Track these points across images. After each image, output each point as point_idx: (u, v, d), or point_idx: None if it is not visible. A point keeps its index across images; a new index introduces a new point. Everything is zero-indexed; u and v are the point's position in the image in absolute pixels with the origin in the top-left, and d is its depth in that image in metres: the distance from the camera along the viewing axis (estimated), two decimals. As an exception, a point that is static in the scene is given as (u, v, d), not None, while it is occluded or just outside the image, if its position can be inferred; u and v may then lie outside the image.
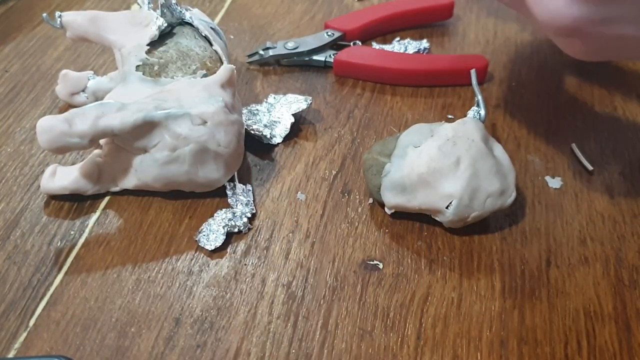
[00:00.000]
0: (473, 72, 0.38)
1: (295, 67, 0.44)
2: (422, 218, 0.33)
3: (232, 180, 0.34)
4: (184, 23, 0.37)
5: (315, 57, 0.44)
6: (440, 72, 0.42)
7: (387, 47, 0.46)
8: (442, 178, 0.30)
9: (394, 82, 0.43)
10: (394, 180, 0.31)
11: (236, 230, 0.33)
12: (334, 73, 0.44)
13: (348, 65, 0.43)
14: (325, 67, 0.44)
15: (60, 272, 0.31)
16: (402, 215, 0.33)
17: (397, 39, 0.46)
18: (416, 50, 0.45)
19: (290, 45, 0.44)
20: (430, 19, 0.48)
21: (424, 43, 0.46)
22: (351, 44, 0.46)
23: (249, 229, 0.33)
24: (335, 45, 0.45)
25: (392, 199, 0.32)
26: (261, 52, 0.44)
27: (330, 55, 0.44)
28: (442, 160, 0.30)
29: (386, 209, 0.33)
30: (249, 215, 0.33)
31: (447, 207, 0.30)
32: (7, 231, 0.33)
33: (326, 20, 0.47)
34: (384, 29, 0.47)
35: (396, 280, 0.30)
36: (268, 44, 0.44)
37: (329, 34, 0.45)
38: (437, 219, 0.32)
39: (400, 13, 0.47)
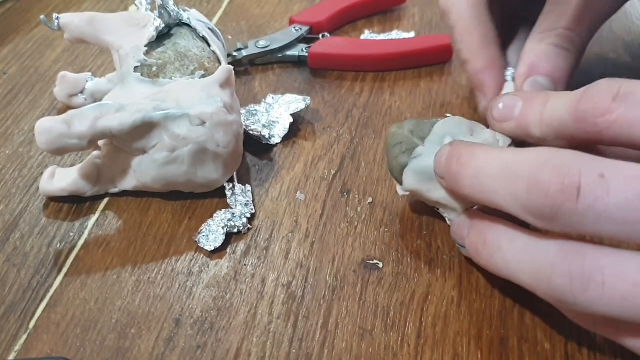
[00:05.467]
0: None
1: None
2: (422, 216, 0.33)
3: (231, 180, 0.34)
4: (181, 24, 0.37)
5: (288, 53, 0.44)
6: (419, 53, 0.44)
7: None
8: None
9: (375, 68, 0.44)
10: (423, 166, 0.29)
11: (236, 230, 0.33)
12: (309, 66, 0.44)
13: (324, 57, 0.44)
14: (299, 61, 0.45)
15: (60, 274, 0.31)
16: (401, 212, 0.33)
17: (366, 31, 0.48)
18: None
19: (262, 43, 0.44)
20: (390, 4, 0.50)
21: (394, 34, 0.48)
22: (320, 36, 0.46)
23: (249, 229, 0.33)
24: (304, 39, 0.46)
25: (413, 183, 0.30)
26: (234, 53, 0.44)
27: (302, 50, 0.44)
28: None
29: (399, 189, 0.32)
30: (249, 215, 0.33)
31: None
32: (7, 233, 0.33)
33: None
34: (346, 19, 0.49)
35: (396, 279, 0.30)
36: (239, 45, 0.44)
37: (297, 28, 0.46)
38: (445, 215, 0.31)
39: (360, 2, 0.49)
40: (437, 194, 0.29)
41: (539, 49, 0.33)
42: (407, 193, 0.31)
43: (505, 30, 0.37)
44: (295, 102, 0.39)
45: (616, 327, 0.23)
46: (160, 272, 0.31)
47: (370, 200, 0.34)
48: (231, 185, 0.34)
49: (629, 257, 0.21)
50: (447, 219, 0.31)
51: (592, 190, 0.21)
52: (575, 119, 0.24)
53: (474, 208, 0.29)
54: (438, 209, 0.31)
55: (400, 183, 0.31)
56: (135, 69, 0.34)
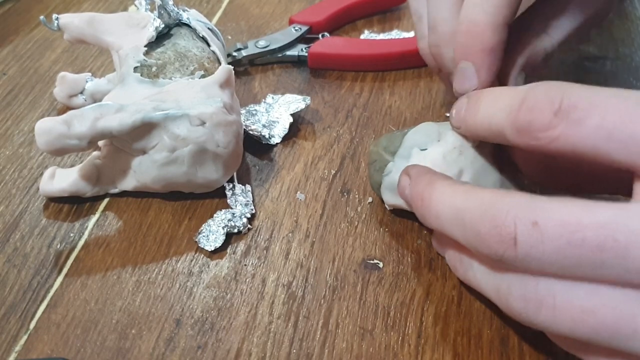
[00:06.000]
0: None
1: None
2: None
3: (231, 180, 0.34)
4: (181, 24, 0.37)
5: (288, 53, 0.45)
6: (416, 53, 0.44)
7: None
8: None
9: (375, 68, 0.44)
10: (394, 181, 0.30)
11: (236, 230, 0.33)
12: (309, 66, 0.44)
13: (324, 56, 0.44)
14: (299, 61, 0.45)
15: (60, 275, 0.31)
16: (402, 212, 0.33)
17: (366, 31, 0.48)
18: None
19: (262, 43, 0.44)
20: (389, 4, 0.50)
21: (394, 34, 0.47)
22: (319, 36, 0.46)
23: (249, 230, 0.33)
24: (304, 39, 0.46)
25: (391, 198, 0.31)
26: (234, 53, 0.44)
27: (302, 49, 0.45)
28: (446, 170, 0.29)
29: (386, 204, 0.33)
30: (249, 215, 0.33)
31: None
32: (7, 234, 0.33)
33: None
34: (346, 19, 0.49)
35: (396, 279, 0.30)
36: (239, 45, 0.44)
37: (296, 28, 0.46)
38: None
39: (360, 1, 0.49)
40: None
41: (543, 48, 0.31)
42: (393, 208, 0.32)
43: None
44: (295, 102, 0.39)
45: (585, 348, 0.23)
46: (161, 273, 0.31)
47: (370, 200, 0.34)
48: (231, 185, 0.34)
49: (579, 283, 0.21)
50: None
51: (526, 240, 0.21)
52: (517, 130, 0.23)
53: None
54: None
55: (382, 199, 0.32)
56: (135, 69, 0.34)
